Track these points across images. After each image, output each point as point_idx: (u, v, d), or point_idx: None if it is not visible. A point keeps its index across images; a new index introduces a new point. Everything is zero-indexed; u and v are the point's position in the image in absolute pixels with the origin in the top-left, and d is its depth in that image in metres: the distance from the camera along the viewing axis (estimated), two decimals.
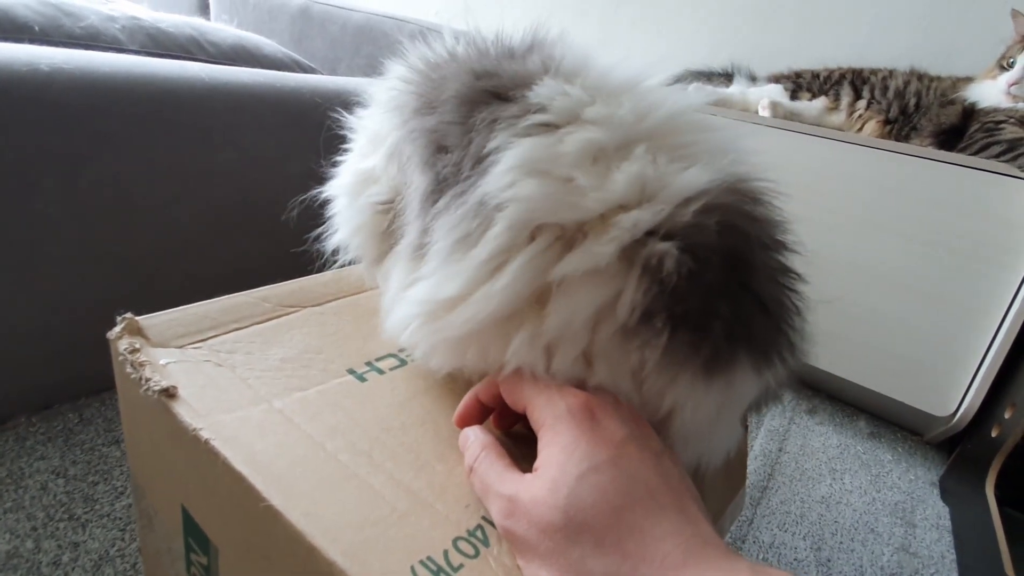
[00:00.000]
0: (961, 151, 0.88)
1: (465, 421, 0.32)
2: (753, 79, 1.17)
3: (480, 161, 0.28)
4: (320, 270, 0.43)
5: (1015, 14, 0.89)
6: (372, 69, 1.18)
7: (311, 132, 0.81)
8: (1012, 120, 0.84)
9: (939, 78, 1.01)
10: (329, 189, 0.42)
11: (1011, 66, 0.86)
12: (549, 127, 0.28)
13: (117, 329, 0.34)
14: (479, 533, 0.26)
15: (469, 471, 0.28)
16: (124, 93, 0.61)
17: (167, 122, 0.64)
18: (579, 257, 0.26)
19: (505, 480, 0.26)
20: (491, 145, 0.28)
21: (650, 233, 0.26)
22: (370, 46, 1.12)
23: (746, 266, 0.27)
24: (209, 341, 0.36)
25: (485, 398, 0.31)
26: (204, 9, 1.49)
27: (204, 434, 0.28)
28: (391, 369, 0.38)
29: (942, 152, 0.87)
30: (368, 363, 0.38)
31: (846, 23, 1.19)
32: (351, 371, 0.36)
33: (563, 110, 0.28)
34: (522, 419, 0.30)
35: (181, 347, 0.35)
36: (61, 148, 0.57)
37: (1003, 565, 0.56)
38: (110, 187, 0.61)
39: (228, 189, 0.71)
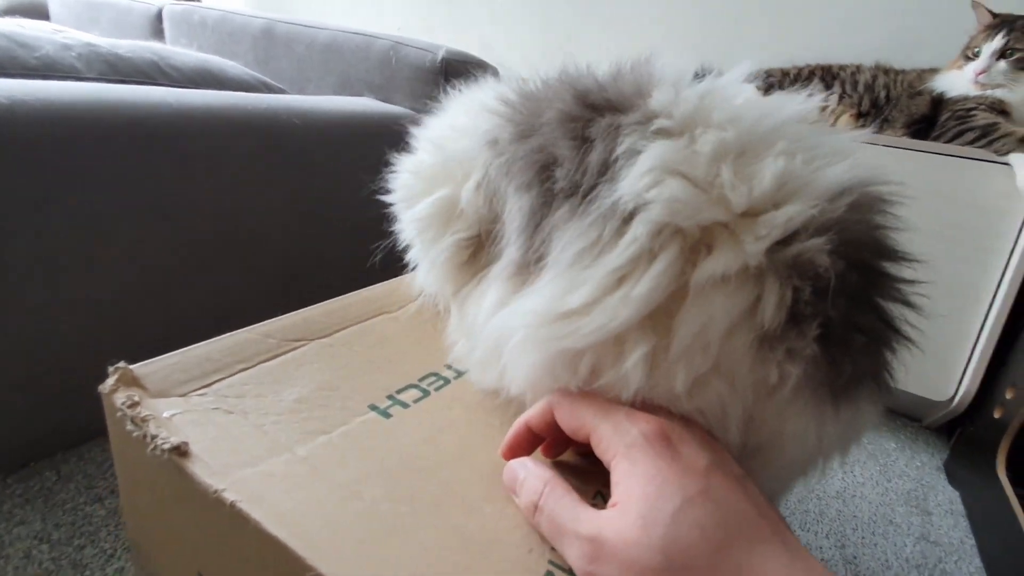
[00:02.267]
0: (935, 139, 0.90)
1: (514, 451, 0.30)
2: None
3: (606, 167, 0.27)
4: (311, 301, 0.40)
5: (976, 5, 0.92)
6: (345, 87, 1.15)
7: (291, 155, 0.78)
8: (983, 107, 0.86)
9: (904, 71, 1.04)
10: (401, 230, 0.43)
11: (976, 56, 0.89)
12: (675, 132, 0.27)
13: (110, 381, 0.30)
14: None
15: (533, 510, 0.25)
16: (89, 124, 0.57)
17: (137, 152, 0.60)
18: (723, 258, 0.25)
19: (582, 519, 0.23)
20: (620, 150, 0.27)
21: (796, 232, 0.25)
22: (341, 64, 1.09)
23: (881, 274, 0.26)
24: (214, 386, 0.32)
25: (537, 426, 0.29)
26: (158, 34, 1.44)
27: (228, 495, 0.24)
28: (415, 401, 0.35)
29: (918, 141, 0.89)
30: (390, 396, 0.35)
31: (811, 23, 1.22)
32: (373, 407, 0.34)
33: (687, 114, 0.27)
34: (570, 447, 0.28)
35: (184, 395, 0.31)
36: (25, 188, 0.52)
37: None
38: (80, 227, 0.56)
39: (206, 221, 0.67)
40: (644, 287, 0.25)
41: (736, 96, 0.29)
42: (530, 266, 0.29)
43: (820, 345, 0.25)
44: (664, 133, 0.27)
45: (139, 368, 0.32)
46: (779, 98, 0.30)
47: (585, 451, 0.30)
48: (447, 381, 0.37)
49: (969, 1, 0.92)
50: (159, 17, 1.39)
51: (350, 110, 0.88)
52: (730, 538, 0.21)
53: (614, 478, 0.24)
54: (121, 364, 0.31)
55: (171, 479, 0.27)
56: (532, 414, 0.29)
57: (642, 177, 0.25)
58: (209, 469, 0.26)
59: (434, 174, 0.39)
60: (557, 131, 0.29)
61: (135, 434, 0.28)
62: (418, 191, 0.39)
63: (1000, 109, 0.86)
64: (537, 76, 0.35)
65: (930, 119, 0.94)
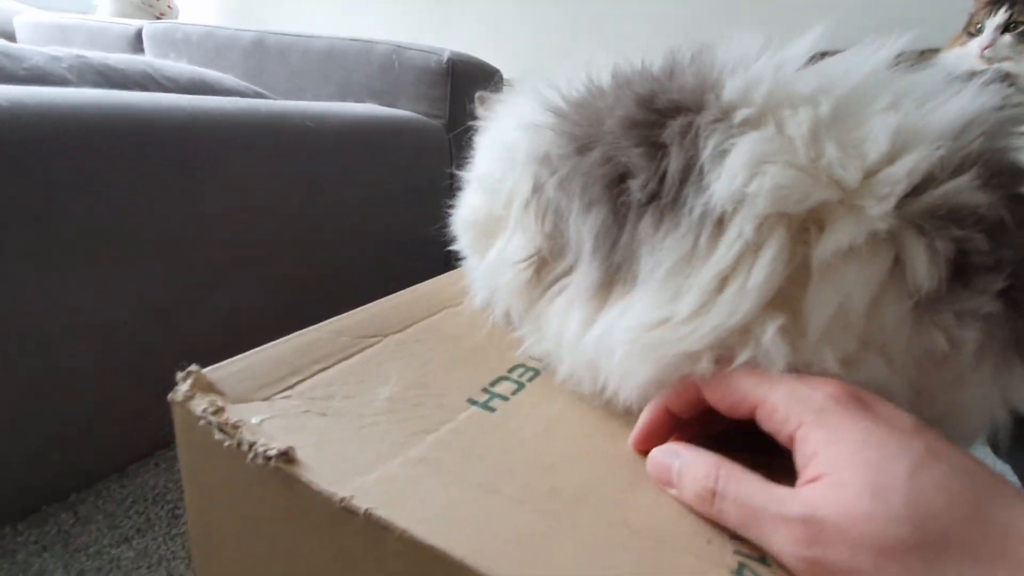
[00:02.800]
0: None
1: (650, 440, 0.26)
2: None
3: (688, 173, 0.25)
4: (327, 313, 0.36)
5: None
6: (345, 95, 1.12)
7: (303, 159, 0.74)
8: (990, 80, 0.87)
9: (902, 53, 1.05)
10: (458, 249, 0.42)
11: (980, 31, 0.90)
12: (760, 121, 0.24)
13: (184, 388, 0.26)
14: (747, 573, 0.21)
15: (711, 497, 0.22)
16: (96, 129, 0.52)
17: (147, 160, 0.56)
18: (845, 230, 0.22)
19: (782, 499, 0.20)
20: (705, 154, 0.24)
21: (927, 179, 0.22)
22: (339, 71, 1.05)
23: None
24: (297, 388, 0.29)
25: (679, 407, 0.25)
26: (138, 53, 1.39)
27: (359, 503, 0.21)
28: (513, 394, 0.32)
29: None
30: (485, 390, 0.31)
31: (803, 17, 1.23)
32: (472, 401, 0.30)
33: (766, 97, 0.24)
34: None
35: (268, 399, 0.27)
36: (26, 199, 0.48)
37: None
38: (86, 239, 0.51)
39: (218, 232, 0.63)
40: (759, 275, 0.23)
41: (808, 63, 0.26)
42: (613, 284, 0.27)
43: (1004, 300, 0.22)
44: (749, 124, 0.24)
45: (211, 372, 0.28)
46: (855, 52, 0.27)
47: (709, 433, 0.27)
48: (537, 372, 0.34)
49: None
50: (138, 37, 1.34)
51: (360, 114, 0.85)
52: (980, 500, 0.18)
53: (806, 450, 0.21)
54: (193, 367, 0.27)
55: (275, 493, 0.23)
56: (670, 396, 0.26)
57: (736, 176, 0.23)
58: (325, 476, 0.22)
59: (488, 222, 0.37)
60: (623, 140, 0.27)
61: (226, 444, 0.23)
62: (482, 244, 0.37)
63: (1009, 82, 0.87)
64: (584, 79, 0.32)
65: None
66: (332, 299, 0.37)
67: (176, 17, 1.78)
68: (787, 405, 0.22)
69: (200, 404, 0.25)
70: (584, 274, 0.29)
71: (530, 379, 0.33)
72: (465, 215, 0.39)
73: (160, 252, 0.57)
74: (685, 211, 0.24)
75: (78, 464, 0.57)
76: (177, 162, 0.58)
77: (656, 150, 0.26)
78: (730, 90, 0.25)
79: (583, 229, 0.28)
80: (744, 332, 0.23)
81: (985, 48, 0.88)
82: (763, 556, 0.21)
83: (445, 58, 0.94)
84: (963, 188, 0.22)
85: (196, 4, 1.98)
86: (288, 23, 1.85)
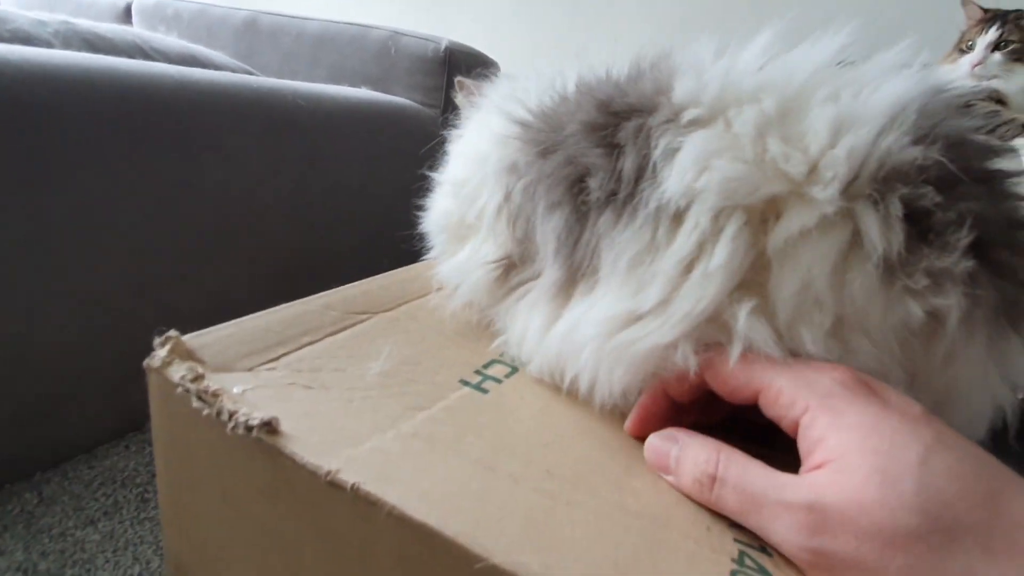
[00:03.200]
0: None
1: (646, 425, 0.26)
2: None
3: (642, 171, 0.25)
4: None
5: (966, 2, 0.95)
6: (339, 80, 1.10)
7: (297, 138, 0.72)
8: (980, 96, 0.88)
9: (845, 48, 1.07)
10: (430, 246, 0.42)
11: (971, 49, 0.92)
12: (708, 120, 0.25)
13: (162, 353, 0.24)
14: (748, 561, 0.20)
15: (710, 483, 0.21)
16: (81, 92, 0.50)
17: (138, 126, 0.54)
18: (796, 217, 0.23)
19: (785, 485, 0.19)
20: (656, 154, 0.25)
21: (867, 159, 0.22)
22: (333, 55, 1.03)
23: (993, 172, 0.23)
24: (283, 359, 0.27)
25: (679, 391, 0.25)
26: None
27: (346, 477, 0.19)
28: (506, 376, 0.31)
29: None
30: (477, 372, 0.31)
31: (795, 21, 1.25)
32: (464, 382, 0.29)
33: (715, 97, 0.25)
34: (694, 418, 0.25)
35: (251, 369, 0.26)
36: (6, 163, 0.45)
37: None
38: (71, 212, 0.49)
39: (208, 208, 0.61)
40: (721, 256, 0.23)
41: (758, 63, 0.27)
42: (576, 282, 0.28)
43: (977, 257, 0.22)
44: (697, 123, 0.25)
45: (191, 339, 0.26)
46: (802, 49, 0.28)
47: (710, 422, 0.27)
48: None
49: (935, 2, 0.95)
50: (127, 12, 1.31)
51: (354, 97, 0.83)
52: (992, 489, 0.17)
53: (812, 435, 0.20)
54: (173, 333, 0.25)
55: (256, 466, 0.22)
56: (669, 380, 0.25)
57: (686, 172, 0.24)
58: (311, 448, 0.21)
59: (460, 227, 0.37)
60: (583, 143, 0.27)
61: (205, 412, 0.22)
62: (453, 247, 0.38)
63: (997, 99, 0.88)
64: (551, 89, 0.33)
65: None
66: (321, 281, 0.36)
67: None
68: (793, 390, 0.21)
69: (178, 371, 0.23)
70: (547, 275, 0.29)
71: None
72: (437, 218, 0.40)
73: (146, 222, 0.55)
74: (641, 205, 0.25)
75: (45, 442, 0.54)
76: (165, 132, 0.56)
77: (612, 150, 0.27)
78: (680, 92, 0.26)
79: (547, 230, 0.29)
80: (716, 320, 0.23)
81: (976, 65, 0.90)
82: (763, 545, 0.21)
83: (443, 46, 0.93)
84: (895, 147, 0.22)
85: None
86: (282, 4, 1.82)
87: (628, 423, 0.27)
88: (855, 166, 0.22)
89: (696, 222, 0.24)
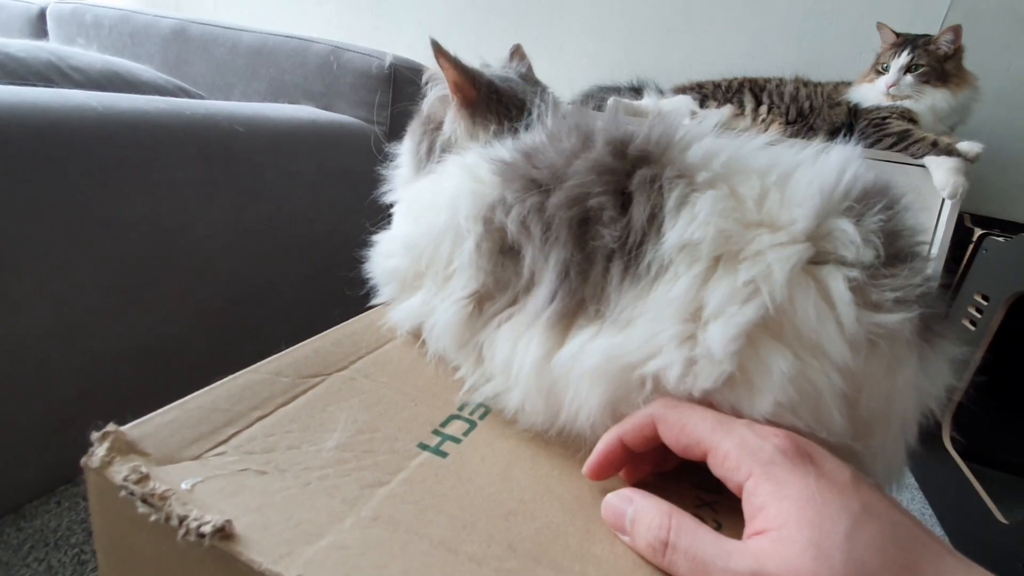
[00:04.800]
0: (855, 145, 0.98)
1: (603, 470, 0.27)
2: (661, 92, 1.23)
3: (652, 223, 0.28)
4: (261, 331, 0.35)
5: (880, 27, 1.02)
6: (278, 95, 1.06)
7: (233, 165, 0.69)
8: (895, 115, 0.96)
9: (821, 84, 1.13)
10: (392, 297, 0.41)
11: (886, 70, 0.99)
12: (716, 183, 0.29)
13: (100, 451, 0.23)
14: None
15: (663, 548, 0.22)
16: None
17: (55, 164, 0.50)
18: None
19: (731, 553, 0.21)
20: (669, 205, 0.28)
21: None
22: (272, 69, 1.00)
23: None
24: (233, 440, 0.26)
25: (633, 441, 0.26)
26: (40, 36, 1.25)
27: None
28: (464, 434, 0.31)
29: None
30: (436, 432, 0.31)
31: (731, 38, 1.30)
32: (423, 446, 0.29)
33: (724, 167, 0.29)
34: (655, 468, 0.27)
35: (198, 457, 0.25)
36: None
37: (995, 516, 0.61)
38: None
39: (136, 244, 0.58)
40: (681, 287, 0.26)
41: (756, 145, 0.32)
42: (577, 315, 0.29)
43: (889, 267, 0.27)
44: (707, 185, 0.28)
45: (132, 429, 0.25)
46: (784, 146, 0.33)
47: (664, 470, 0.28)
48: (489, 408, 0.33)
49: (861, 24, 1.01)
50: (41, 17, 1.21)
51: (295, 118, 0.80)
52: (909, 557, 0.19)
53: (755, 501, 0.22)
54: (110, 427, 0.24)
55: (209, 572, 0.21)
56: (627, 429, 0.26)
57: (690, 224, 0.27)
58: (268, 551, 0.20)
59: (413, 278, 0.38)
60: (597, 184, 0.30)
61: (152, 518, 0.21)
62: (405, 295, 0.39)
63: (909, 117, 0.96)
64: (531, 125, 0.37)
65: (850, 127, 1.03)
66: (267, 318, 0.35)
67: None
68: (738, 455, 0.22)
69: (120, 471, 0.22)
70: (542, 302, 0.30)
71: (482, 416, 0.33)
72: (387, 269, 0.40)
73: (70, 263, 0.52)
74: (645, 258, 0.28)
75: None
76: (87, 167, 0.52)
77: (621, 197, 0.29)
78: (694, 154, 0.30)
79: (545, 262, 0.30)
80: (654, 349, 0.26)
81: (891, 86, 0.97)
82: None
83: (387, 62, 0.91)
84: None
85: None
86: (211, 12, 1.73)
87: (586, 466, 0.27)
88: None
89: (687, 268, 0.27)
